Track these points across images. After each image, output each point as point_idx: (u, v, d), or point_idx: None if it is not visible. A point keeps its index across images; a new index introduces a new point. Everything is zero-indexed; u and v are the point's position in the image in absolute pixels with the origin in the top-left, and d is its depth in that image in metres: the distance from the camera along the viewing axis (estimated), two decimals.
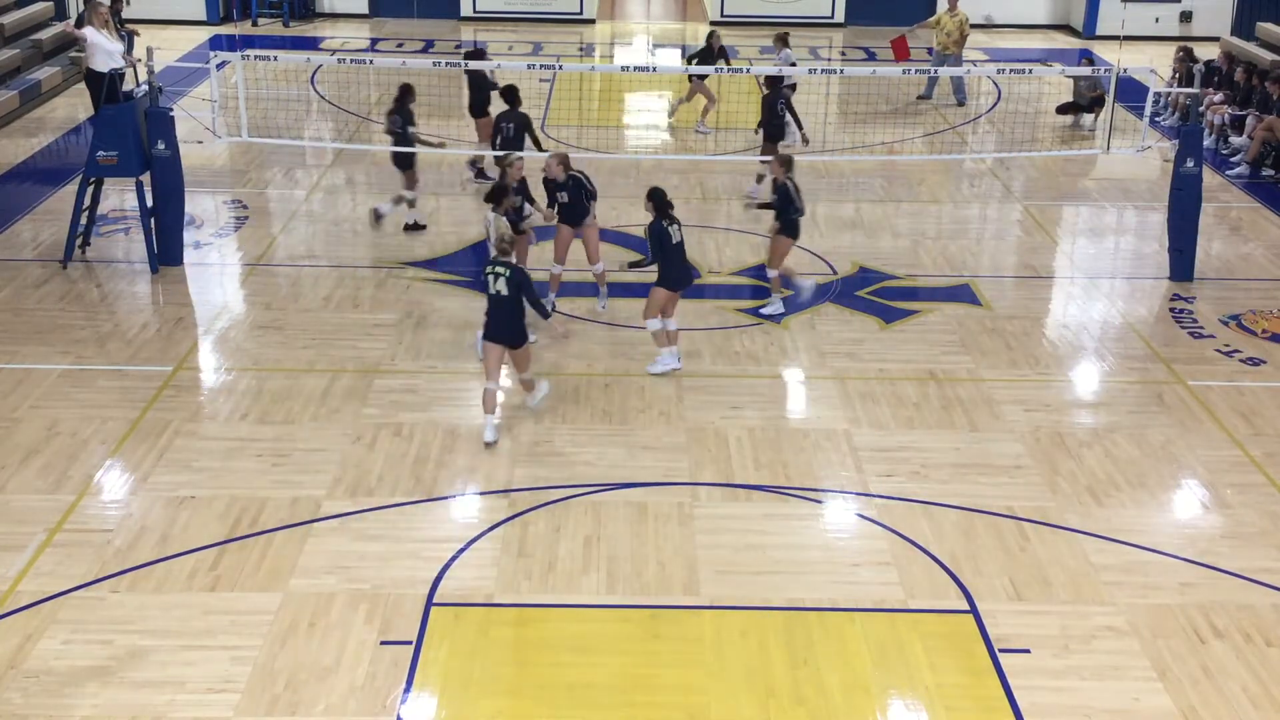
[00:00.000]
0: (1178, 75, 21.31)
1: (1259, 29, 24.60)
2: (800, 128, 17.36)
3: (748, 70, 19.56)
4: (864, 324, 13.57)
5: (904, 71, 17.69)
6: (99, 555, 9.34)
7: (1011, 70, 18.62)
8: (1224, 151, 19.81)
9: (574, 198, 13.06)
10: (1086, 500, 10.33)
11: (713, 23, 29.63)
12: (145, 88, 14.68)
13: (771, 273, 13.69)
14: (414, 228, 15.82)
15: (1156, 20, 28.44)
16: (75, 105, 21.29)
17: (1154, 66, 18.09)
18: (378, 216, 15.70)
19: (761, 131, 16.97)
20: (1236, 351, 13.08)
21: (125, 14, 22.69)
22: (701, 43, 21.16)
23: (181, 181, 14.79)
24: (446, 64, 19.15)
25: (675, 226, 11.93)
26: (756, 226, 16.38)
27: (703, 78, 19.74)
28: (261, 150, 18.76)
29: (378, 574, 9.18)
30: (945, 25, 22.28)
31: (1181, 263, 14.87)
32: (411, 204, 15.78)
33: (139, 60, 15.41)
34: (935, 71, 19.72)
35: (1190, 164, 14.56)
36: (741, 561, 9.44)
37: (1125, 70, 15.64)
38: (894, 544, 9.69)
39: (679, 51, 28.05)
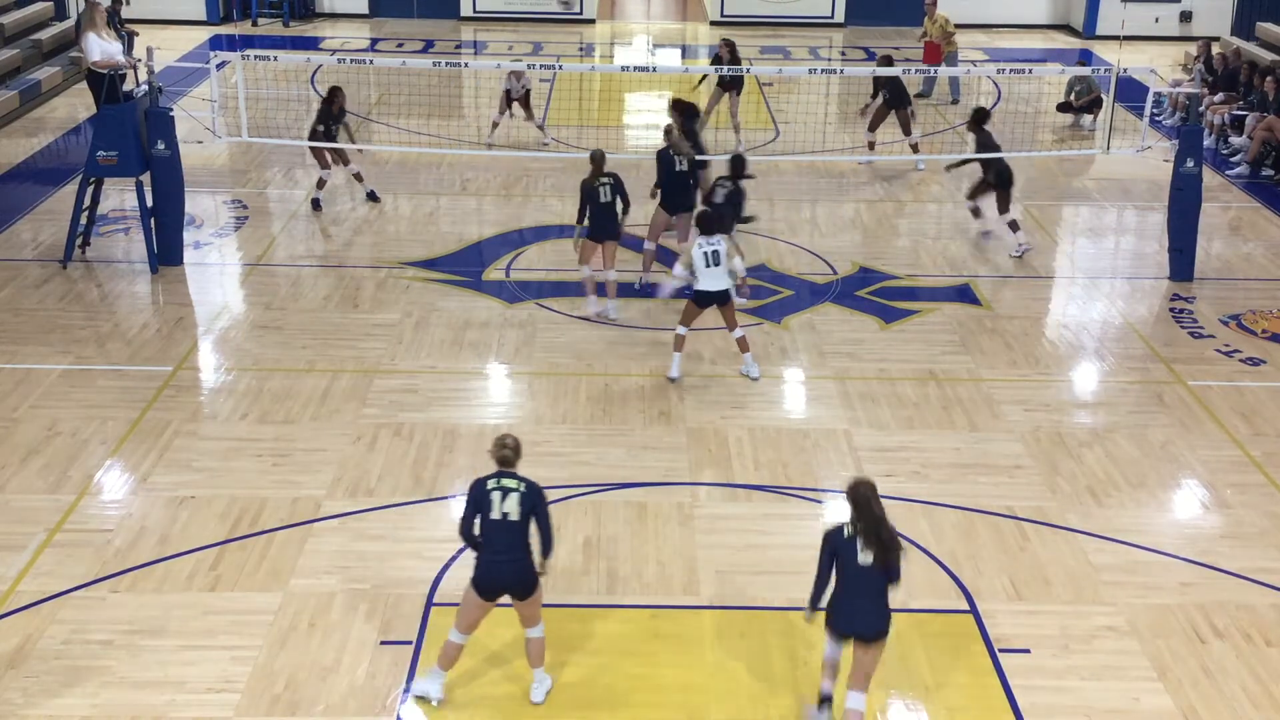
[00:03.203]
0: (1200, 59, 21.40)
1: (1259, 29, 24.62)
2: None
3: (748, 70, 19.53)
4: (864, 324, 13.57)
5: (904, 71, 17.68)
6: (99, 555, 9.34)
7: (1011, 70, 18.60)
8: (1224, 151, 19.81)
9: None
10: (1086, 500, 10.33)
11: (713, 23, 29.63)
12: (145, 88, 14.68)
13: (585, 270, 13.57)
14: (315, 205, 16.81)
15: (1156, 20, 28.43)
16: (75, 105, 21.30)
17: (1154, 66, 18.09)
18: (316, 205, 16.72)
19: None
20: (1236, 351, 13.08)
21: (125, 14, 22.72)
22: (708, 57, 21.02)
23: (181, 181, 14.79)
24: (446, 64, 19.16)
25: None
26: (756, 226, 16.37)
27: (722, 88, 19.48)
28: (261, 150, 18.76)
29: (378, 574, 9.18)
30: (928, 32, 22.38)
31: (1181, 263, 14.87)
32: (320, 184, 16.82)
33: (139, 60, 15.42)
34: (934, 71, 19.72)
35: (1190, 164, 14.56)
36: (741, 561, 9.44)
37: (1125, 70, 15.64)
38: None
39: (679, 52, 28.05)
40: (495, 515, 7.57)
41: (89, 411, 11.42)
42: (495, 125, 19.30)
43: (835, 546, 7.48)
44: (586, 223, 13.20)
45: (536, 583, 7.73)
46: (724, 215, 13.08)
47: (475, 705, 7.99)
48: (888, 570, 7.37)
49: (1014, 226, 15.54)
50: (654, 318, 13.54)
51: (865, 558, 7.37)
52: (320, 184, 16.75)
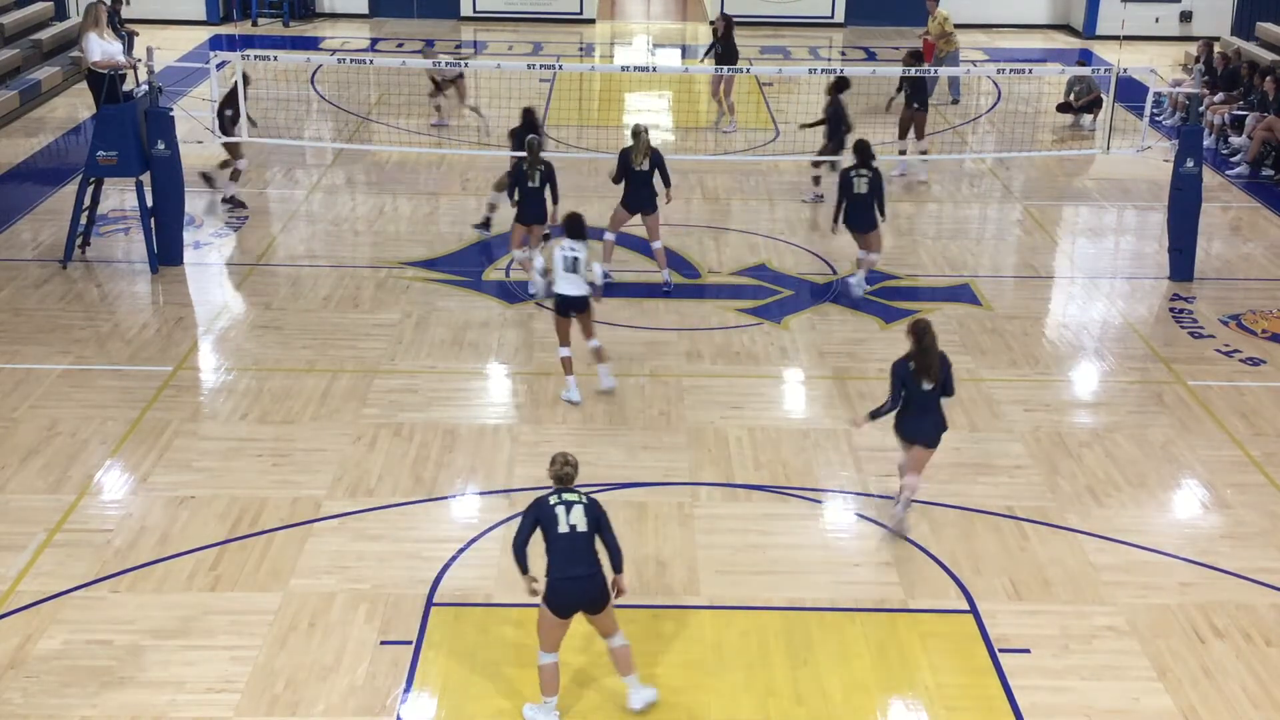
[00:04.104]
0: (1200, 59, 21.39)
1: (1259, 29, 24.62)
2: None
3: (747, 70, 19.55)
4: (864, 324, 13.57)
5: (904, 71, 17.66)
6: (99, 555, 9.34)
7: (1011, 70, 18.59)
8: (1224, 151, 19.81)
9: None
10: (1086, 500, 10.33)
11: (711, 23, 29.61)
12: (145, 88, 14.68)
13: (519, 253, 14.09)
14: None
15: (1156, 20, 28.44)
16: (75, 105, 21.30)
17: (1154, 66, 18.08)
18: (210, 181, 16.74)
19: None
20: (1236, 351, 13.08)
21: (125, 14, 22.71)
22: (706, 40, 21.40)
23: (181, 181, 14.79)
24: (446, 64, 19.17)
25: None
26: (756, 226, 16.40)
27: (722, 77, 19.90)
28: (261, 150, 18.74)
29: (378, 574, 9.18)
30: (929, 30, 22.41)
31: (1181, 263, 14.87)
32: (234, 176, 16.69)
33: (139, 60, 15.41)
34: (935, 71, 19.71)
35: (1190, 164, 14.56)
36: (741, 561, 9.44)
37: (1125, 70, 15.63)
38: (894, 544, 9.69)
39: (679, 51, 28.06)
40: (563, 529, 7.54)
41: (89, 411, 11.42)
42: (438, 108, 20.12)
43: (902, 376, 9.48)
44: (516, 202, 13.70)
45: (609, 595, 7.66)
46: (870, 205, 13.77)
47: (477, 699, 8.00)
48: (945, 391, 9.52)
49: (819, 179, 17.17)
50: (654, 317, 13.55)
51: (926, 385, 9.42)
52: (236, 175, 16.57)
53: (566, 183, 17.31)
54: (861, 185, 13.74)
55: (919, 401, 9.50)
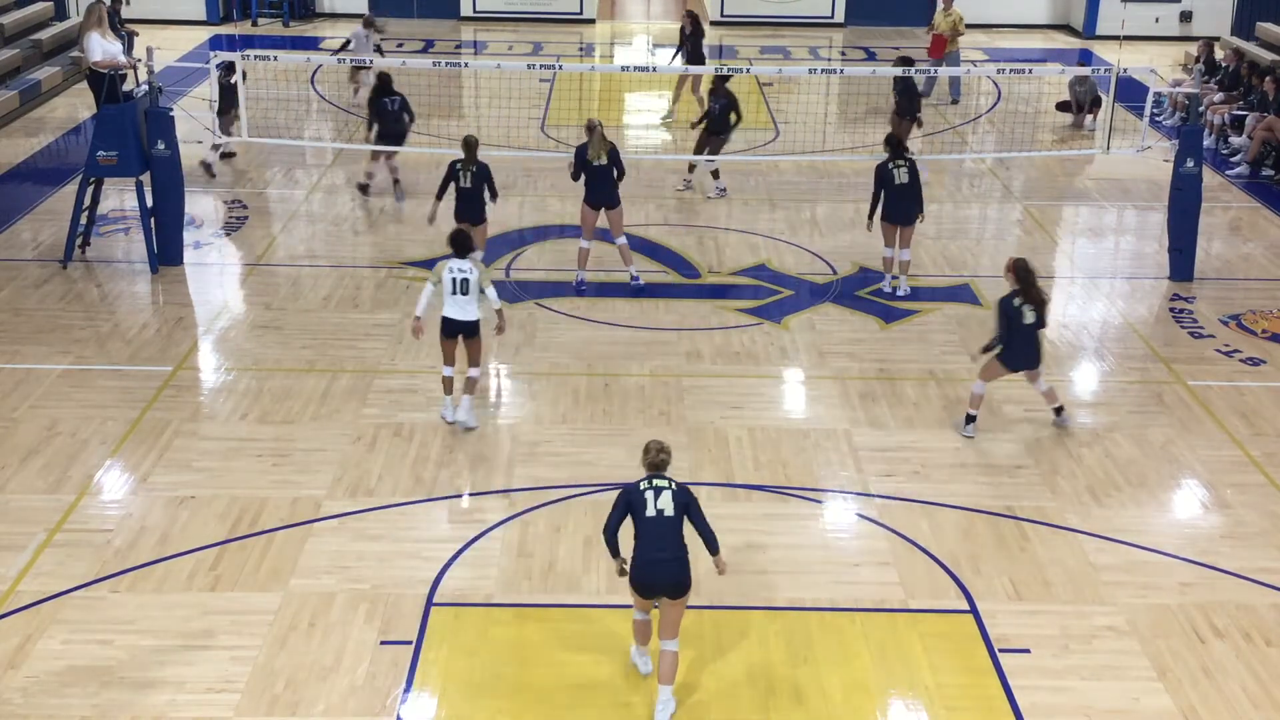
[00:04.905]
0: (1200, 59, 21.36)
1: (1259, 29, 24.62)
2: None
3: (747, 70, 19.55)
4: (864, 324, 13.57)
5: (903, 71, 17.66)
6: (99, 555, 9.34)
7: (1011, 70, 18.59)
8: (1224, 151, 19.81)
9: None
10: (1086, 500, 10.34)
11: (713, 22, 29.60)
12: (145, 88, 14.68)
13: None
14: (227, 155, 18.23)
15: (1156, 20, 28.45)
16: (75, 105, 21.30)
17: (1154, 66, 18.08)
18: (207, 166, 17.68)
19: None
20: (1236, 351, 13.08)
21: (125, 14, 22.71)
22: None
23: (181, 181, 14.80)
24: (446, 64, 19.16)
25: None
26: (756, 226, 16.40)
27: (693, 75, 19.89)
28: (261, 150, 18.75)
29: (378, 574, 9.19)
30: (939, 25, 22.35)
31: (1181, 263, 14.87)
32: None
33: (139, 60, 15.42)
34: (934, 71, 19.71)
35: (1190, 164, 14.56)
36: (741, 561, 9.44)
37: (1125, 70, 15.63)
38: (894, 544, 9.69)
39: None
40: (650, 513, 7.76)
41: (89, 411, 11.42)
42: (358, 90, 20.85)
43: (1009, 312, 10.70)
44: (447, 201, 13.75)
45: (690, 584, 7.80)
46: (911, 195, 13.89)
47: (477, 699, 8.00)
48: (1043, 324, 10.86)
49: (715, 174, 17.35)
50: (654, 317, 13.55)
51: (1030, 318, 10.71)
52: (216, 149, 17.72)
53: (565, 183, 17.33)
54: (901, 175, 13.81)
55: (1023, 334, 10.76)
